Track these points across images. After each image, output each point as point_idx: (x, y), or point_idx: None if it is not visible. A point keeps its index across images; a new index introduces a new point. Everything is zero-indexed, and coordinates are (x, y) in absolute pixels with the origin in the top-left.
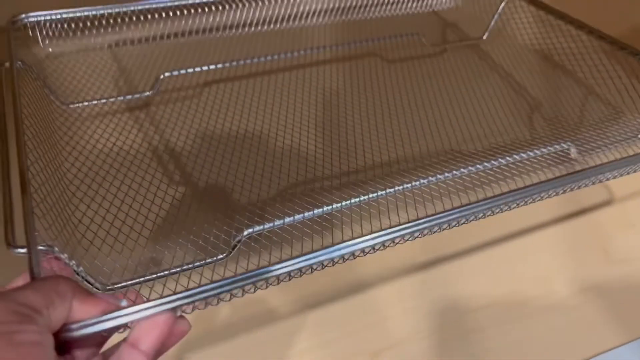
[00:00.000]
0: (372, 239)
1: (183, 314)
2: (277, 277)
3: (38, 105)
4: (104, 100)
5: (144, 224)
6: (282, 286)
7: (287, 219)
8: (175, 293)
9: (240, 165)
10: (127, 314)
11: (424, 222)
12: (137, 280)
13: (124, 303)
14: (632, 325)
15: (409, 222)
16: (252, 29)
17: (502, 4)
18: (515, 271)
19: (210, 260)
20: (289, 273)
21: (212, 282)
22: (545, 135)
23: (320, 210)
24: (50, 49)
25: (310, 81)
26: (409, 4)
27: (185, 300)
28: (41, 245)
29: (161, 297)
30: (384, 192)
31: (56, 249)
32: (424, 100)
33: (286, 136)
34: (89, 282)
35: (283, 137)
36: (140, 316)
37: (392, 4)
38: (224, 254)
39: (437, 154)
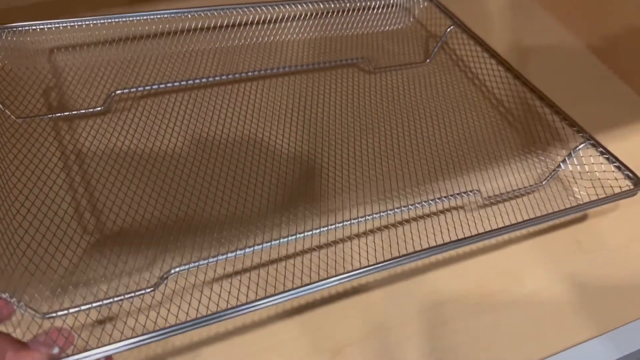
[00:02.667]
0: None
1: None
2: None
3: None
4: (55, 115)
5: (85, 249)
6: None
7: (211, 260)
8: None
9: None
10: None
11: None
12: (75, 309)
13: (56, 350)
14: (603, 318)
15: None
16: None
17: (447, 31)
18: (484, 264)
19: (140, 292)
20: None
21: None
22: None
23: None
24: (7, 62)
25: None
26: (356, 25)
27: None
28: None
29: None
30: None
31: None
32: (367, 125)
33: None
34: (30, 313)
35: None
36: None
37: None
38: (151, 288)
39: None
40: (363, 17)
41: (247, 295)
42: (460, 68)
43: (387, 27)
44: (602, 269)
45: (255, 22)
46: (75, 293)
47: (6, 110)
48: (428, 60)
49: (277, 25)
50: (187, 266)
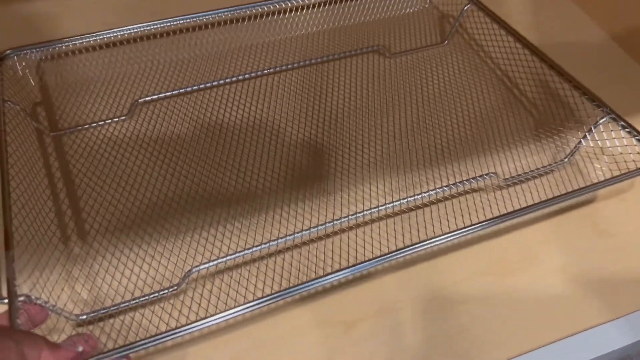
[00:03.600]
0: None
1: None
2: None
3: (24, 139)
4: (86, 126)
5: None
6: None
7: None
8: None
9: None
10: None
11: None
12: (104, 310)
13: (80, 349)
14: (619, 301)
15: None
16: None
17: (464, 10)
18: (500, 245)
19: (163, 291)
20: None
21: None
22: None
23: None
24: (38, 79)
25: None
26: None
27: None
28: (20, 297)
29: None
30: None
31: (33, 297)
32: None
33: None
34: (65, 316)
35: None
36: None
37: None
38: (174, 287)
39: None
40: (377, 2)
41: (262, 289)
42: (477, 48)
43: (402, 11)
44: (620, 251)
45: (272, 12)
46: (103, 295)
47: (40, 126)
48: (446, 42)
49: (292, 18)
50: (207, 264)
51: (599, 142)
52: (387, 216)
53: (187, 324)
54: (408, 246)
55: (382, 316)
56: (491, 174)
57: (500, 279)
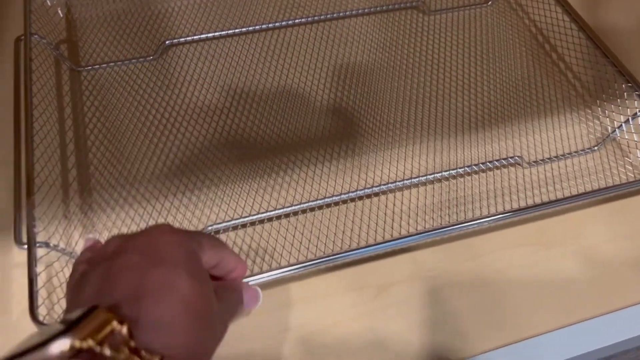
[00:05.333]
0: None
1: None
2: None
3: (49, 77)
4: (112, 64)
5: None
6: None
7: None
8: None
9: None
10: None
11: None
12: None
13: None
14: None
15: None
16: None
17: None
18: (542, 221)
19: None
20: None
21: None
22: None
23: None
24: (67, 15)
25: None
26: None
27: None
28: (39, 244)
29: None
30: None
31: (52, 244)
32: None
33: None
34: None
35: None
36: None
37: None
38: None
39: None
40: None
41: (290, 252)
42: (522, 14)
43: None
44: None
45: None
46: None
47: (67, 62)
48: (489, 2)
49: None
50: (229, 223)
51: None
52: (421, 184)
53: None
54: (454, 224)
55: (414, 283)
56: (516, 157)
57: (539, 253)
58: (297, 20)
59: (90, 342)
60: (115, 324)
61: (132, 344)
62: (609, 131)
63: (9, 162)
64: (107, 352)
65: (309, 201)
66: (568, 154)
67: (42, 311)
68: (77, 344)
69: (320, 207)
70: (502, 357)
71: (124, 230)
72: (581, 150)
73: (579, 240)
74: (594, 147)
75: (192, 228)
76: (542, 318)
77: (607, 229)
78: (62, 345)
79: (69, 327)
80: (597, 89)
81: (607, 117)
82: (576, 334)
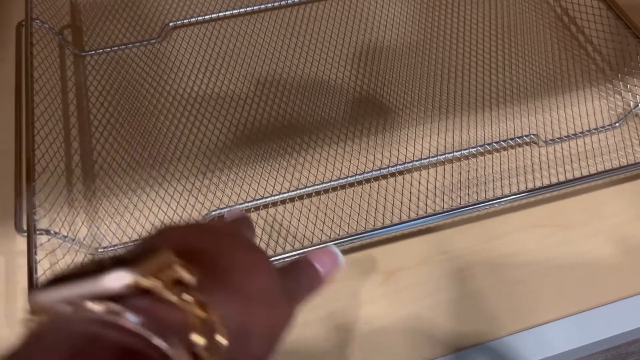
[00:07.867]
0: None
1: None
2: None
3: (51, 62)
4: (115, 48)
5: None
6: None
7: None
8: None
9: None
10: None
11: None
12: (123, 247)
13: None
14: None
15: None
16: None
17: None
18: (561, 201)
19: None
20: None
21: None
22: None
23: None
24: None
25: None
26: None
27: None
28: (39, 231)
29: None
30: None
31: (52, 231)
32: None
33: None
34: (84, 250)
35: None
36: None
37: None
38: None
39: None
40: None
41: (304, 229)
42: None
43: None
44: None
45: None
46: (121, 231)
47: (69, 47)
48: None
49: None
50: (243, 205)
51: None
52: (439, 164)
53: None
54: (470, 204)
55: (427, 266)
56: (532, 135)
57: (558, 234)
58: None
59: (156, 282)
60: (183, 272)
61: (201, 298)
62: (632, 106)
63: (11, 149)
64: (173, 298)
65: (322, 182)
66: (587, 131)
67: None
68: (143, 281)
69: (334, 189)
70: (518, 341)
71: (127, 217)
72: (601, 127)
73: (600, 220)
74: (615, 123)
75: (204, 211)
76: (561, 301)
77: (630, 209)
78: (122, 278)
79: (131, 260)
80: (619, 62)
81: (630, 92)
82: (602, 317)
